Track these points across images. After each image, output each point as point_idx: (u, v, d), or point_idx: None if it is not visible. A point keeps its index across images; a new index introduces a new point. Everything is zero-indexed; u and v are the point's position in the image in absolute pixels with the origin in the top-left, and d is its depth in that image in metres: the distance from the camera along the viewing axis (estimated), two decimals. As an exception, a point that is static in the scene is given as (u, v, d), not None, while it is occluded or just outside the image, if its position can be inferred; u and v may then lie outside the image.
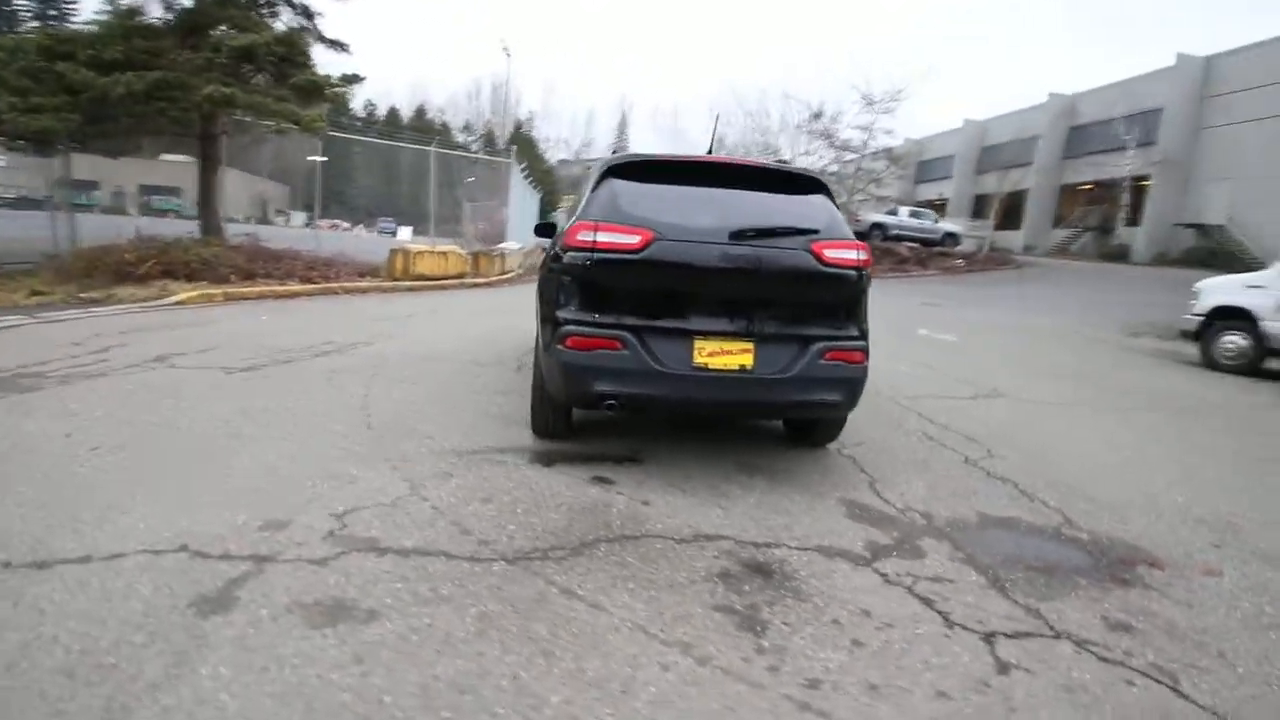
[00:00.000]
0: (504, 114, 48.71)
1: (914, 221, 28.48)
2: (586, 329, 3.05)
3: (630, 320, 3.04)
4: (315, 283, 10.29)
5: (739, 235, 3.08)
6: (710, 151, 3.51)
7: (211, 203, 11.93)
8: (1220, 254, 24.82)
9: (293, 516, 2.60)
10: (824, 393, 3.16)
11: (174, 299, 7.97)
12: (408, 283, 11.48)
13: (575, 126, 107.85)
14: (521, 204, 22.65)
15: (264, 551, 2.32)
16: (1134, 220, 30.02)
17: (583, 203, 3.45)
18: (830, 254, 3.11)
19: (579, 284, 3.12)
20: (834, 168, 26.64)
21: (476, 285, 13.07)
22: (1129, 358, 9.38)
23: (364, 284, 10.92)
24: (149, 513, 2.55)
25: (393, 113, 67.64)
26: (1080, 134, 33.43)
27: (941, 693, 1.86)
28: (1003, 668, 2.00)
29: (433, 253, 12.35)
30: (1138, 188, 30.01)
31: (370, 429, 3.75)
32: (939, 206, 37.93)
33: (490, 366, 5.62)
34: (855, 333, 3.25)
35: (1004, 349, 9.35)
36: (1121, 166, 29.95)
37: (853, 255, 3.16)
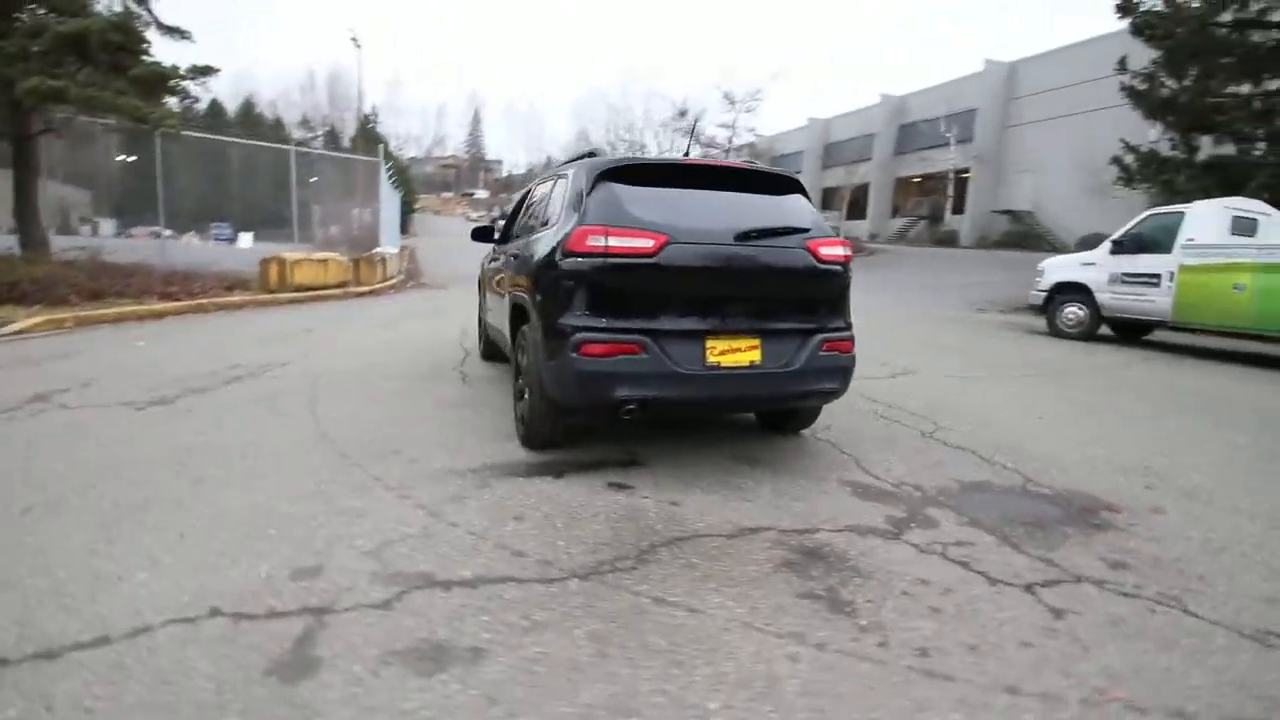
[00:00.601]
0: (355, 107, 45.64)
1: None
2: (602, 335, 3.01)
3: (644, 324, 3.04)
4: (178, 299, 9.17)
5: (744, 236, 3.18)
6: (687, 153, 3.54)
7: (31, 214, 10.25)
8: (1030, 236, 28.62)
9: (321, 561, 2.36)
10: (824, 382, 3.34)
11: (12, 328, 6.79)
12: (287, 295, 10.53)
13: (425, 123, 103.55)
14: (389, 205, 21.43)
15: (314, 603, 2.09)
16: (959, 208, 33.76)
17: (565, 207, 3.39)
18: (824, 251, 3.30)
19: (587, 289, 3.07)
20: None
21: (362, 294, 12.25)
22: (989, 330, 10.60)
23: (237, 298, 9.88)
24: (149, 577, 2.21)
25: (215, 106, 60.88)
26: (910, 131, 37.00)
27: (1025, 643, 2.06)
28: (1056, 613, 2.24)
29: (311, 261, 11.41)
30: (960, 179, 33.76)
31: (346, 456, 3.46)
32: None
33: (433, 380, 5.33)
34: (844, 324, 3.46)
35: (885, 331, 10.18)
36: (946, 161, 33.61)
37: (841, 251, 3.37)
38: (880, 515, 3.00)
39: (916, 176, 37.35)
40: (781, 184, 3.56)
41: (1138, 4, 14.59)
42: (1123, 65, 14.31)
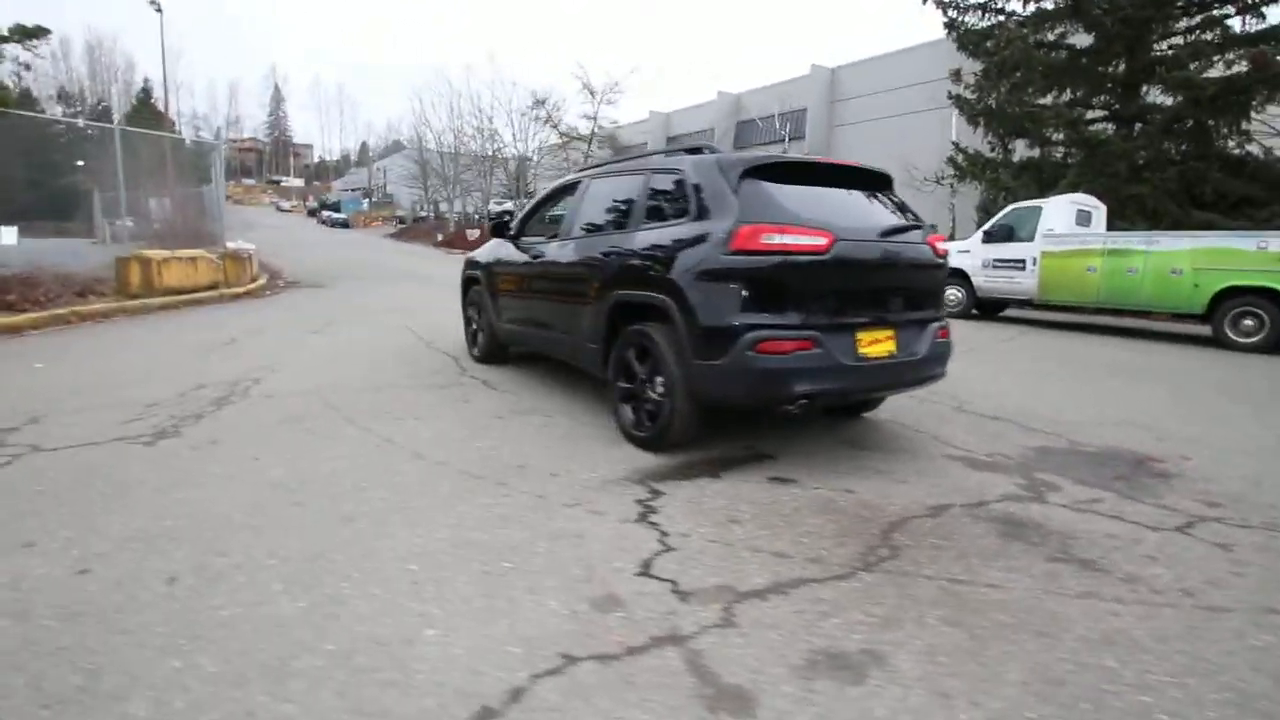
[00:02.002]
0: (165, 81, 39.27)
1: (636, 205, 30.88)
2: (780, 332, 3.04)
3: (811, 319, 3.11)
4: (25, 310, 7.50)
5: (887, 233, 3.35)
6: (786, 145, 3.61)
7: None
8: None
9: (605, 588, 2.19)
10: (938, 367, 3.63)
11: None
12: (158, 299, 8.98)
13: (215, 102, 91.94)
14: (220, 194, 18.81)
15: (659, 632, 1.96)
16: (795, 200, 36.62)
17: (699, 204, 3.32)
18: (939, 245, 3.57)
19: (757, 287, 3.07)
20: (562, 155, 27.35)
21: (239, 296, 10.76)
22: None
23: (100, 306, 8.26)
24: (448, 637, 1.92)
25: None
26: (747, 128, 39.34)
27: (1235, 573, 2.46)
28: (1224, 548, 2.69)
29: (179, 260, 9.80)
30: (795, 174, 36.62)
31: (473, 475, 3.15)
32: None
33: (457, 388, 4.93)
34: (944, 312, 3.77)
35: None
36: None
37: (943, 245, 3.67)
38: (1010, 484, 3.34)
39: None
40: (881, 181, 3.77)
41: (962, 22, 16.76)
42: (958, 75, 16.37)
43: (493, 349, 5.56)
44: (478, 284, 5.72)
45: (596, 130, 26.81)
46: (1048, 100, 15.70)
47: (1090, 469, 3.62)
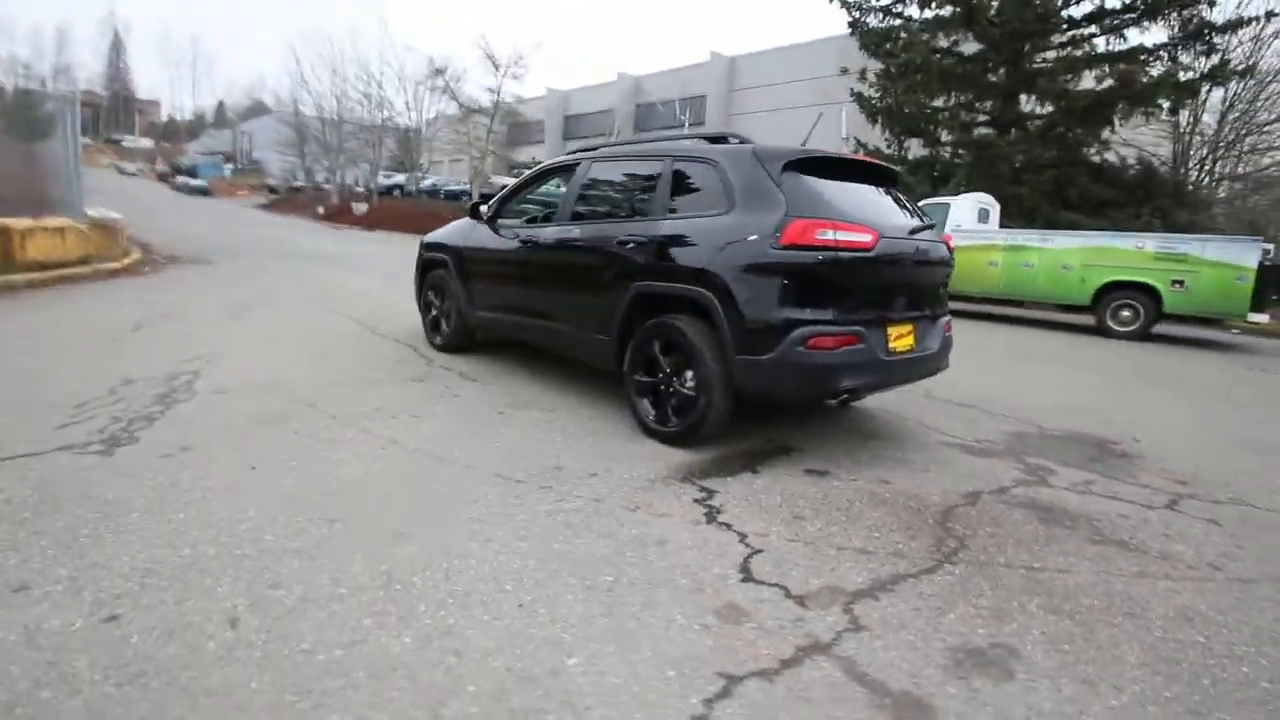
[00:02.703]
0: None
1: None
2: (828, 328, 3.05)
3: (853, 315, 3.14)
4: None
5: (914, 231, 3.44)
6: (804, 144, 3.59)
7: None
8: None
9: (723, 598, 2.12)
10: (945, 359, 3.79)
11: None
12: (23, 276, 7.69)
13: (41, 46, 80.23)
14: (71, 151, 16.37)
15: (807, 642, 1.92)
16: (695, 186, 37.21)
17: (739, 196, 3.25)
18: (951, 243, 3.71)
19: (806, 282, 3.06)
20: (463, 129, 26.16)
21: (117, 273, 9.44)
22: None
23: (-54, 284, 6.95)
24: (587, 658, 1.78)
25: None
26: (647, 111, 39.41)
27: (1239, 546, 2.77)
28: (1213, 521, 3.02)
29: (45, 230, 8.42)
30: (694, 159, 37.17)
31: (508, 479, 2.94)
32: (529, 166, 40.76)
33: (436, 381, 4.58)
34: (948, 307, 3.94)
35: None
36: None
37: (953, 243, 3.82)
38: (1013, 469, 3.57)
39: (654, 154, 40.05)
40: (892, 177, 3.85)
41: (864, 23, 17.61)
42: (863, 74, 17.20)
43: (460, 337, 5.23)
44: (440, 268, 5.34)
45: (500, 104, 25.80)
46: (940, 103, 16.85)
47: (1067, 452, 3.94)
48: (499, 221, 4.82)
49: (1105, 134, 15.57)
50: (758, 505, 2.83)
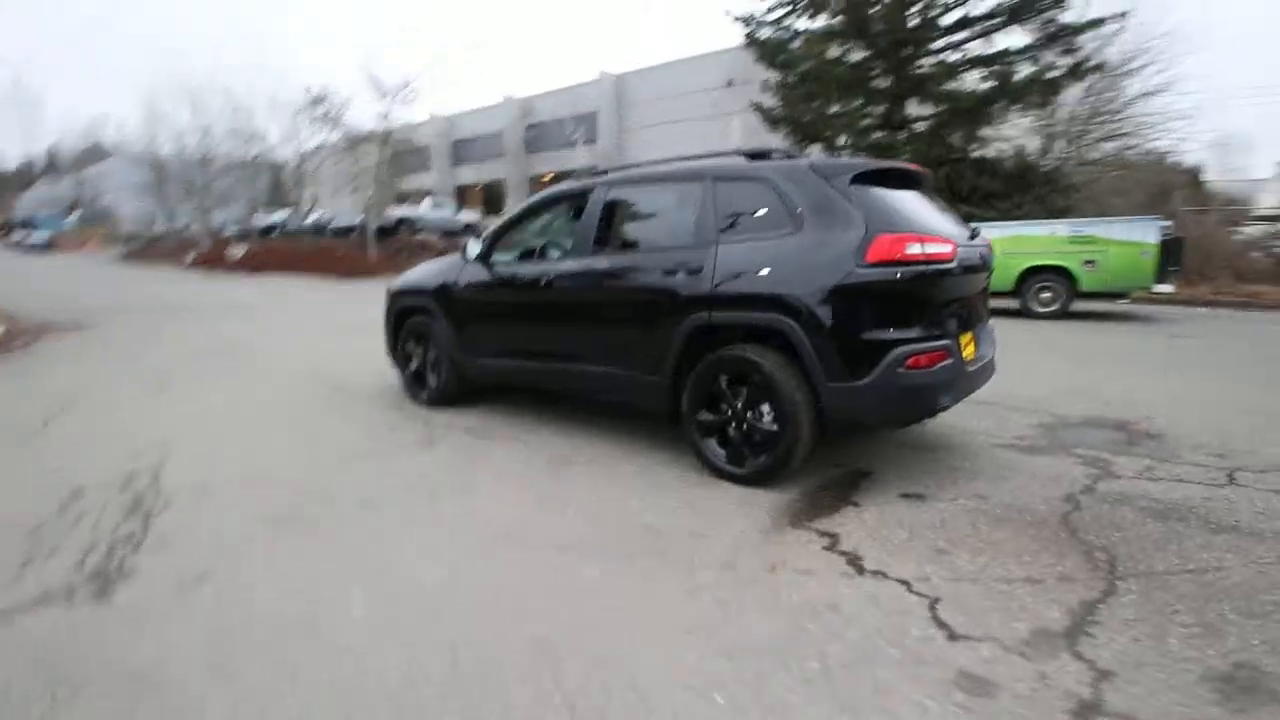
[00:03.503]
0: None
1: (436, 214, 29.15)
2: (923, 345, 2.91)
3: (941, 329, 3.03)
4: None
5: (971, 238, 3.37)
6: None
7: None
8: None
9: (951, 667, 1.90)
10: (994, 365, 3.75)
11: None
12: None
13: None
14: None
15: (1069, 705, 1.73)
16: (594, 203, 37.22)
17: (805, 213, 3.05)
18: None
19: (895, 299, 2.92)
20: (350, 160, 24.75)
21: (-20, 352, 8.01)
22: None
23: None
24: None
25: None
26: (539, 131, 39.10)
27: (1332, 518, 2.87)
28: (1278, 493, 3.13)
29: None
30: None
31: (631, 556, 2.60)
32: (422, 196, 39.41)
33: (446, 444, 4.09)
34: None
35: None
36: (576, 160, 36.60)
37: None
38: (1076, 465, 3.57)
39: (549, 174, 39.78)
40: (922, 180, 3.77)
41: (759, 37, 18.19)
42: (765, 85, 17.70)
43: (454, 389, 4.74)
44: (422, 314, 4.83)
45: (390, 132, 24.59)
46: (835, 109, 17.63)
47: (1101, 439, 4.02)
48: (493, 259, 4.40)
49: (985, 131, 16.83)
50: (889, 543, 2.64)
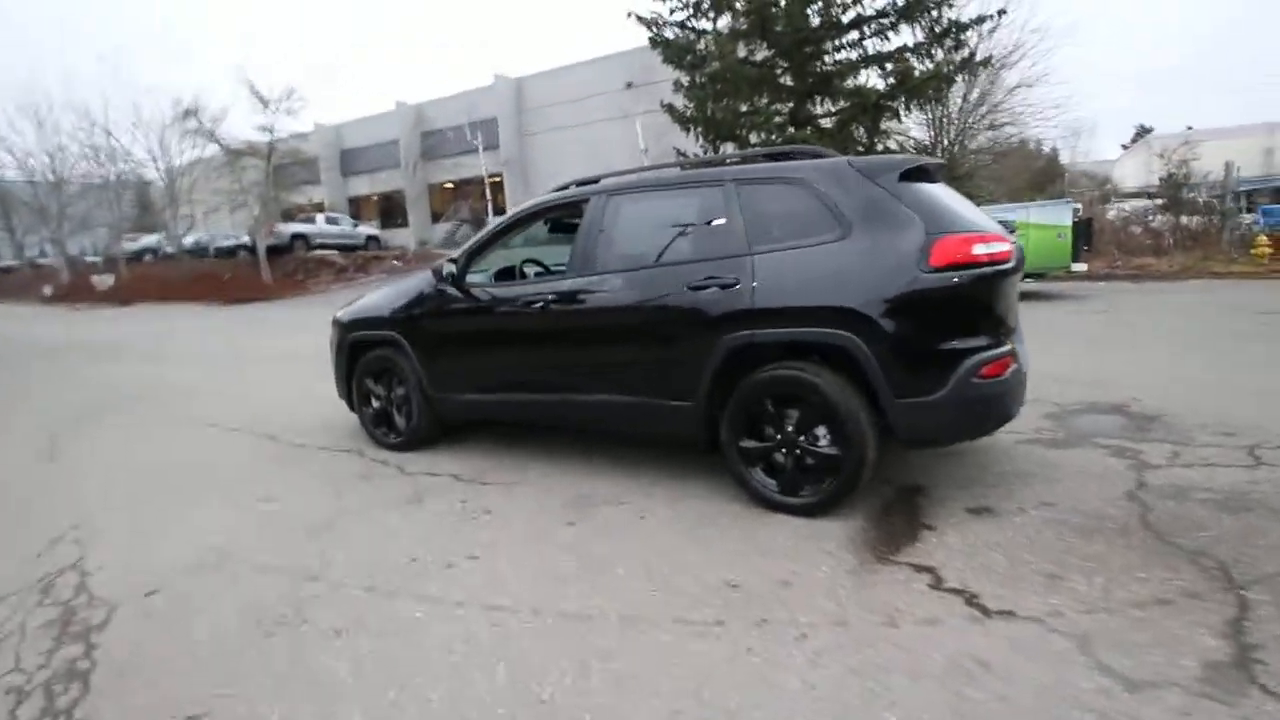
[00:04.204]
0: None
1: (334, 228, 27.50)
2: (993, 352, 2.71)
3: (1005, 334, 2.83)
4: None
5: (1010, 231, 3.22)
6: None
7: None
8: (573, 230, 32.80)
9: (1142, 727, 1.66)
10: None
11: None
12: None
13: None
14: None
15: None
16: (501, 210, 36.20)
17: (853, 216, 2.79)
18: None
19: (961, 305, 2.70)
20: (231, 175, 22.74)
21: None
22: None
23: None
24: None
25: None
26: (435, 138, 37.53)
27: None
28: (1317, 471, 3.18)
29: None
30: (495, 183, 36.14)
31: (719, 624, 2.23)
32: (318, 208, 37.04)
33: (437, 497, 3.56)
34: None
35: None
36: (477, 167, 35.44)
37: None
38: (1107, 457, 3.52)
39: (449, 182, 38.40)
40: (944, 174, 3.59)
41: (665, 38, 18.12)
42: (677, 84, 17.63)
43: (427, 430, 4.18)
44: (383, 347, 4.23)
45: (274, 144, 22.71)
46: (744, 107, 17.82)
47: (1111, 426, 4.02)
48: (468, 280, 3.89)
49: (884, 125, 17.51)
50: (993, 573, 2.41)
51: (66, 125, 26.35)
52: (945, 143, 21.59)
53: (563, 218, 3.78)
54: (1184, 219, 15.03)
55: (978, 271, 2.67)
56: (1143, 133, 46.49)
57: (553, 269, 4.16)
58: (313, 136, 40.38)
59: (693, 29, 18.16)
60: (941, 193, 2.97)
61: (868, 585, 2.37)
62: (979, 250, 2.67)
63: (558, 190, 3.84)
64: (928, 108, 19.57)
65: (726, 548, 2.73)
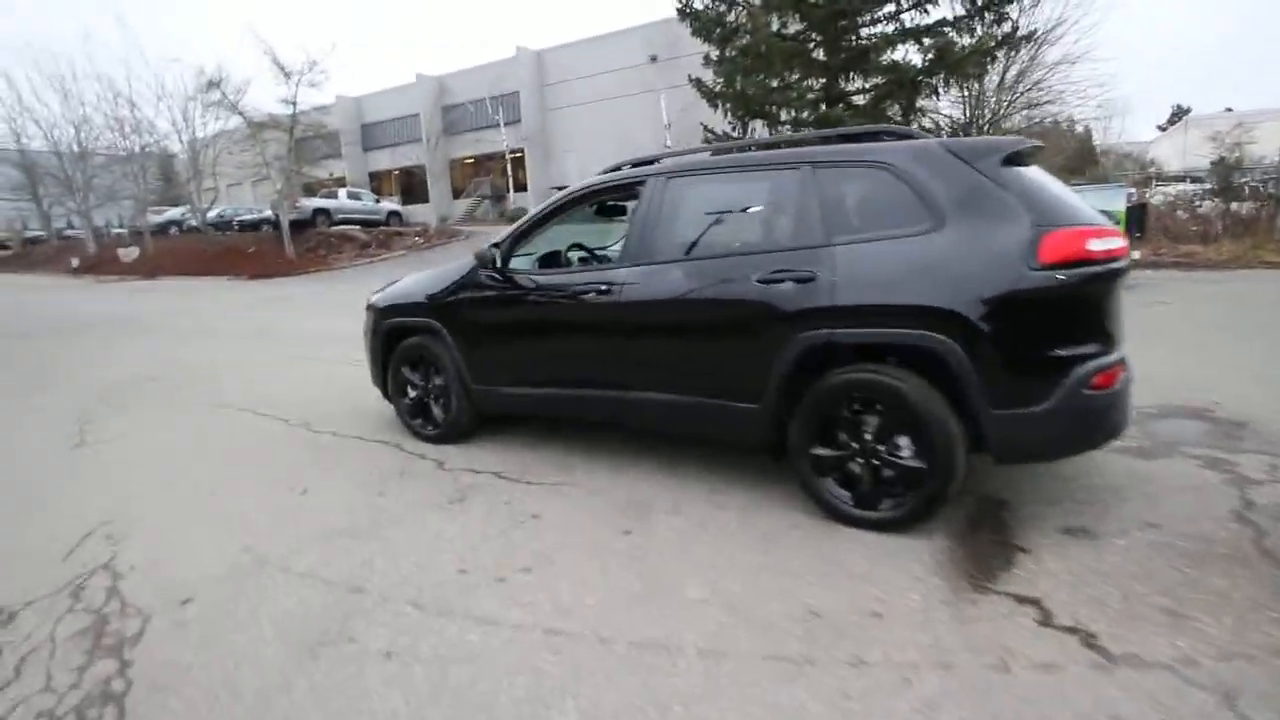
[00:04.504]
0: None
1: (355, 203, 27.30)
2: (1105, 360, 2.45)
3: (1113, 339, 2.56)
4: None
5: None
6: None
7: None
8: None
9: None
10: None
11: None
12: None
13: None
14: None
15: None
16: (522, 187, 35.86)
17: (945, 204, 2.52)
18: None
19: (1073, 306, 2.44)
20: (255, 148, 22.59)
21: None
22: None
23: None
24: None
25: None
26: (457, 112, 37.15)
27: None
28: None
29: None
30: (516, 159, 35.74)
31: (809, 663, 2.02)
32: (340, 183, 36.89)
33: (480, 494, 3.37)
34: None
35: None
36: (498, 142, 35.03)
37: None
38: (1199, 469, 3.25)
39: (470, 157, 38.06)
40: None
41: (694, 9, 17.58)
42: (706, 59, 17.13)
43: (467, 422, 4.00)
44: (421, 334, 4.04)
45: (296, 116, 22.50)
46: (775, 83, 17.28)
47: (1193, 432, 3.74)
48: (512, 267, 3.67)
49: (921, 103, 16.91)
50: (1108, 608, 2.17)
51: (90, 96, 26.27)
52: (980, 122, 20.90)
53: (616, 201, 3.53)
54: (1233, 205, 14.37)
55: (1091, 270, 2.40)
56: (1180, 113, 44.92)
57: (603, 255, 3.92)
58: (334, 109, 40.18)
59: (724, 0, 17.59)
60: (1045, 179, 2.68)
61: (968, 619, 2.15)
62: (1094, 246, 2.39)
63: (609, 171, 3.58)
64: (965, 85, 18.87)
65: (801, 566, 2.52)
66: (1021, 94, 20.53)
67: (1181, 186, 17.57)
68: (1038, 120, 21.34)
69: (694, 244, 3.13)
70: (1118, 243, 2.48)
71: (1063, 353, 2.41)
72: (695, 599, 2.35)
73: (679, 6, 17.80)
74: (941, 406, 2.52)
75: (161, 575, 2.72)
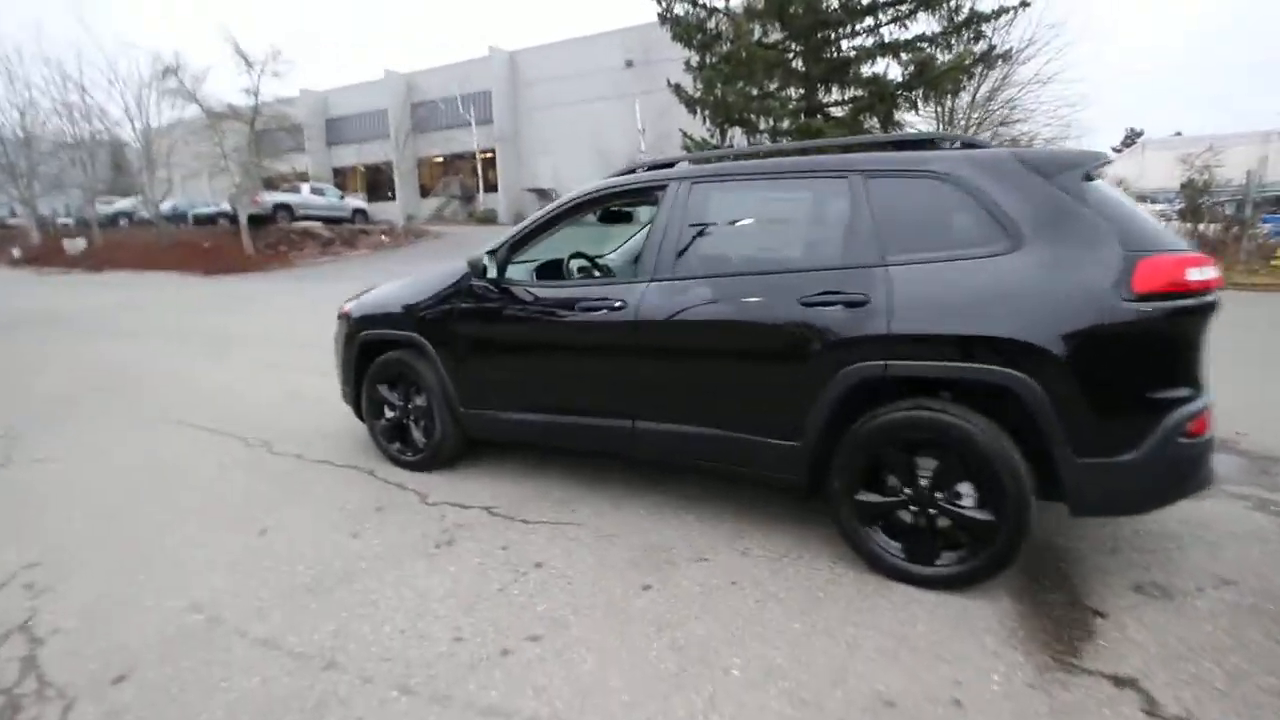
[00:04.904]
0: None
1: (320, 199, 26.43)
2: (1198, 405, 2.18)
3: (1201, 381, 2.29)
4: None
5: None
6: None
7: None
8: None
9: None
10: None
11: None
12: None
13: None
14: None
15: None
16: (492, 187, 35.21)
17: (1023, 224, 2.23)
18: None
19: (1165, 343, 2.17)
20: (214, 139, 21.59)
21: None
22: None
23: None
24: None
25: None
26: (426, 110, 36.27)
27: None
28: None
29: None
30: (487, 159, 35.08)
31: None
32: (303, 178, 35.69)
33: (471, 539, 2.97)
34: None
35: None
36: (469, 141, 34.35)
37: None
38: (1249, 511, 3.06)
39: (440, 156, 37.27)
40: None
41: (675, 14, 17.35)
42: (688, 64, 16.90)
43: (451, 449, 3.58)
44: (399, 348, 3.62)
45: (258, 107, 21.54)
46: (755, 92, 17.13)
47: (1233, 469, 3.55)
48: (508, 275, 3.28)
49: (896, 116, 16.95)
50: (1213, 691, 1.90)
51: (37, 80, 24.81)
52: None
53: (629, 205, 3.18)
54: (1201, 227, 14.67)
55: (1189, 302, 2.13)
56: (1133, 136, 46.47)
57: (613, 266, 3.56)
58: (298, 102, 38.86)
59: (704, 6, 17.39)
60: (1124, 198, 2.42)
61: (1064, 709, 1.84)
62: (1193, 276, 2.12)
63: (623, 173, 3.22)
64: (940, 100, 19.00)
65: (855, 633, 2.19)
66: (993, 111, 20.79)
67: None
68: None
69: (722, 258, 2.79)
70: (1213, 272, 2.22)
71: (1157, 395, 2.13)
72: (741, 679, 1.99)
73: (660, 11, 17.54)
74: (1013, 451, 2.22)
75: (91, 642, 2.26)
